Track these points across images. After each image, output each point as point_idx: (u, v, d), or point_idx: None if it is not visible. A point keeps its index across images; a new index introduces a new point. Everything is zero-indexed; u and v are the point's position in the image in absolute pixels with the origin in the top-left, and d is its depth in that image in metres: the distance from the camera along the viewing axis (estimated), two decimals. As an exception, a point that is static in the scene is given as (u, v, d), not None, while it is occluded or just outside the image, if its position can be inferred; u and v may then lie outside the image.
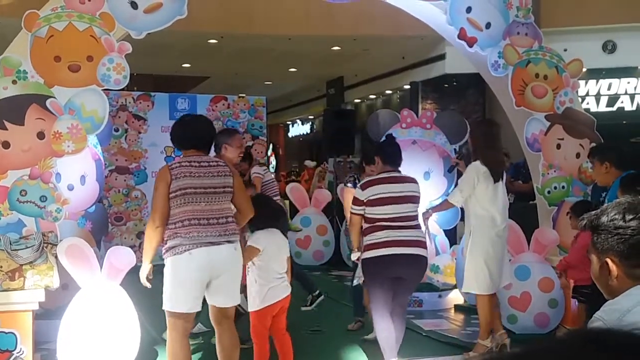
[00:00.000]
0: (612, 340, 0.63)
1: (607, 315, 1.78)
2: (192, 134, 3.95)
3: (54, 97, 4.46)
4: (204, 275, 3.74)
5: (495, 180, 4.91)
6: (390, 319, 4.39)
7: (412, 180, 4.60)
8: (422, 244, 4.42)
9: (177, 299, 3.75)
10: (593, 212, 1.91)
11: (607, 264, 1.83)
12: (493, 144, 5.00)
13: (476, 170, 4.89)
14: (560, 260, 5.18)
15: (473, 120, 5.65)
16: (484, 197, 4.91)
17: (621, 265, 1.81)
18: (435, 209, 5.52)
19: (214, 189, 3.82)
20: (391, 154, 4.68)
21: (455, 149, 7.22)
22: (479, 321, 5.07)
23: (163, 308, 3.83)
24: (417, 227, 4.49)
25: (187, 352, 3.87)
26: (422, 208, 5.10)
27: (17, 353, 3.96)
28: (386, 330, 4.39)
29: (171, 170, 3.77)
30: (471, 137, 5.30)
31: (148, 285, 3.83)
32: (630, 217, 1.79)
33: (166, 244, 3.76)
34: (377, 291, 4.41)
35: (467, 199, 4.95)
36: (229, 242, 3.81)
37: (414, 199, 4.49)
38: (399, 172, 4.60)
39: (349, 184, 5.78)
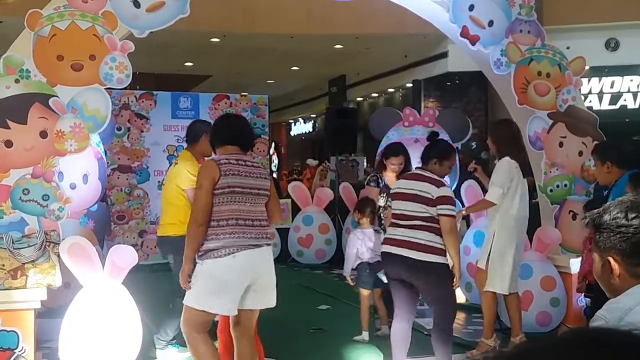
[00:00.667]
0: (612, 339, 0.63)
1: (609, 314, 1.78)
2: (239, 130, 3.86)
3: (57, 96, 4.47)
4: (246, 279, 3.64)
5: (524, 176, 4.98)
6: (402, 322, 4.26)
7: (431, 181, 4.20)
8: (416, 246, 4.10)
9: (211, 301, 3.62)
10: (595, 211, 1.91)
11: (609, 262, 1.83)
12: (518, 142, 5.08)
13: (509, 165, 4.88)
14: (581, 265, 4.95)
15: (493, 121, 5.62)
16: (514, 193, 4.89)
17: (623, 264, 1.81)
18: (470, 209, 5.47)
19: (258, 190, 3.76)
20: (423, 152, 4.49)
21: (457, 148, 7.21)
22: (483, 320, 5.06)
23: (187, 304, 3.67)
24: (418, 228, 4.15)
25: (213, 348, 3.81)
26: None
27: (19, 352, 3.96)
28: (398, 330, 4.28)
29: (220, 166, 3.65)
30: (495, 137, 5.11)
31: (189, 287, 3.69)
32: (633, 215, 1.79)
33: (204, 244, 3.61)
34: (393, 290, 4.37)
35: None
36: (267, 244, 3.77)
37: (421, 199, 4.17)
38: (425, 170, 4.31)
39: (372, 183, 5.79)
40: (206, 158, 4.86)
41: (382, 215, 5.55)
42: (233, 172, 3.66)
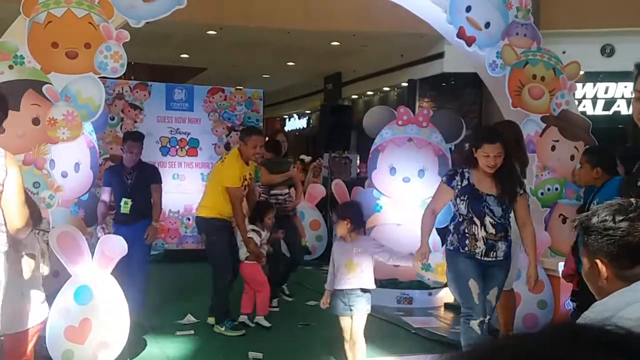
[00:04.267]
0: (588, 335, 0.63)
1: (595, 316, 1.79)
2: None
3: (51, 84, 4.45)
4: None
5: (524, 178, 4.93)
6: None
7: None
8: None
9: None
10: (584, 213, 1.93)
11: (596, 265, 1.84)
12: (521, 144, 5.03)
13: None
14: (564, 266, 4.89)
15: (495, 122, 5.49)
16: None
17: (610, 267, 1.82)
18: None
19: None
20: None
21: (450, 148, 7.22)
22: (504, 320, 4.97)
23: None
24: None
25: None
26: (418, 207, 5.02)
27: None
28: None
29: None
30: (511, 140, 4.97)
31: None
32: (620, 218, 1.80)
33: None
34: None
35: None
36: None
37: None
38: None
39: (444, 178, 4.26)
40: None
41: (465, 231, 4.14)
42: None
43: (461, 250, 4.12)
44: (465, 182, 4.12)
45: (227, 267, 5.52)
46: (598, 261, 1.83)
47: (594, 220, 1.84)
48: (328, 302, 4.35)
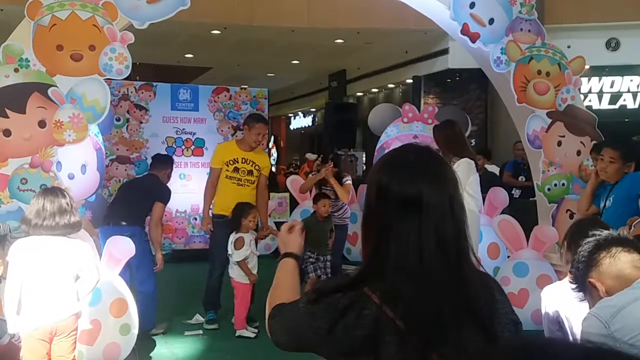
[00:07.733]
0: (550, 351, 0.61)
1: (602, 312, 1.80)
2: None
3: (56, 86, 4.46)
4: None
5: (477, 170, 5.25)
6: None
7: None
8: None
9: None
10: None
11: (591, 283, 1.95)
12: (466, 140, 5.29)
13: (469, 165, 4.96)
14: None
15: (441, 122, 5.72)
16: (475, 186, 5.02)
17: (600, 277, 1.98)
18: None
19: None
20: None
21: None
22: None
23: None
24: None
25: None
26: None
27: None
28: None
29: None
30: (445, 138, 5.14)
31: None
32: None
33: None
34: None
35: None
36: None
37: None
38: None
39: None
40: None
41: None
42: None
43: None
44: None
45: (215, 263, 5.62)
46: (592, 280, 1.94)
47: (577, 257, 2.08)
48: None
